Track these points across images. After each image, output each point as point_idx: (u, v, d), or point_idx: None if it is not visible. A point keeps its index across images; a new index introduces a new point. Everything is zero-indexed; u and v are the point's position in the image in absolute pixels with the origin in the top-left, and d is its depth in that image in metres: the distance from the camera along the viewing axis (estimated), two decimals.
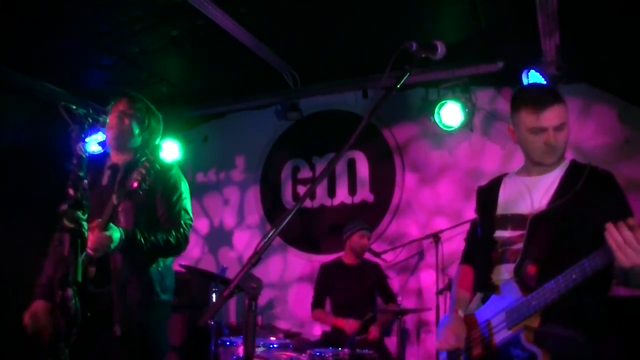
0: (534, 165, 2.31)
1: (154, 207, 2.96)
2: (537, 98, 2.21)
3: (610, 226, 1.78)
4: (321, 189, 5.95)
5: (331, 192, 5.95)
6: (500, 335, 2.11)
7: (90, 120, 2.61)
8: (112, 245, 2.64)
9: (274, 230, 1.60)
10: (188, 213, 3.03)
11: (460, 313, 2.35)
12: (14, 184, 5.40)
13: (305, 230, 5.93)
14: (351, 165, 5.90)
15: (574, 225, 2.12)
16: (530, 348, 2.00)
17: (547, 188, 2.23)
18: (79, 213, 2.42)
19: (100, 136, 3.22)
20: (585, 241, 2.01)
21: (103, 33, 4.60)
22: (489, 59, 5.01)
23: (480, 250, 2.38)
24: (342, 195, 5.91)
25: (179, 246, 2.92)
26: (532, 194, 2.26)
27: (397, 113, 5.71)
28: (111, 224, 2.64)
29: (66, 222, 2.40)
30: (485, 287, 2.28)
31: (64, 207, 2.43)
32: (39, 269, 2.94)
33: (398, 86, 1.81)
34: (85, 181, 2.52)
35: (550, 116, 2.18)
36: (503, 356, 2.09)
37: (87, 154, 2.54)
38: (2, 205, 4.04)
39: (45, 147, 5.27)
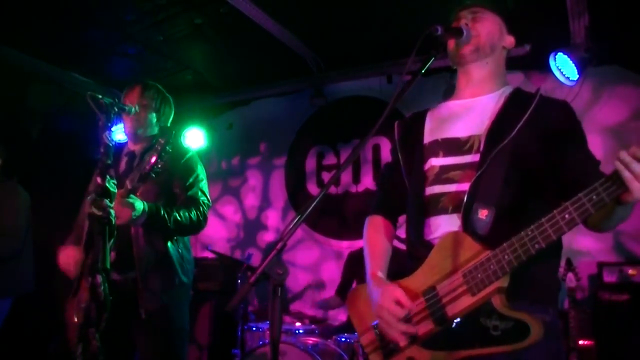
0: (467, 84, 2.01)
1: (172, 191, 2.98)
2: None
3: (623, 153, 1.40)
4: (346, 175, 5.94)
5: (356, 179, 5.94)
6: (461, 304, 1.67)
7: (116, 110, 2.65)
8: (135, 214, 2.58)
9: (300, 216, 1.60)
10: (205, 195, 3.04)
11: (382, 276, 2.00)
12: (45, 172, 5.51)
13: (330, 216, 5.93)
14: (376, 151, 5.88)
15: (529, 156, 1.77)
16: (512, 315, 1.58)
17: (483, 109, 1.92)
18: (107, 201, 2.46)
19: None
20: (545, 175, 1.76)
21: (128, 22, 4.63)
22: (515, 41, 4.88)
23: (409, 194, 2.03)
24: (367, 181, 5.89)
25: (199, 223, 2.93)
26: (465, 117, 1.94)
27: (422, 98, 5.63)
28: (132, 195, 2.59)
29: (94, 210, 2.44)
30: (419, 244, 1.90)
31: (92, 195, 2.48)
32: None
33: (423, 71, 1.78)
34: (112, 170, 2.56)
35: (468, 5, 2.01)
36: (469, 330, 1.65)
37: (113, 143, 2.57)
38: (32, 193, 4.12)
39: (74, 136, 5.35)
